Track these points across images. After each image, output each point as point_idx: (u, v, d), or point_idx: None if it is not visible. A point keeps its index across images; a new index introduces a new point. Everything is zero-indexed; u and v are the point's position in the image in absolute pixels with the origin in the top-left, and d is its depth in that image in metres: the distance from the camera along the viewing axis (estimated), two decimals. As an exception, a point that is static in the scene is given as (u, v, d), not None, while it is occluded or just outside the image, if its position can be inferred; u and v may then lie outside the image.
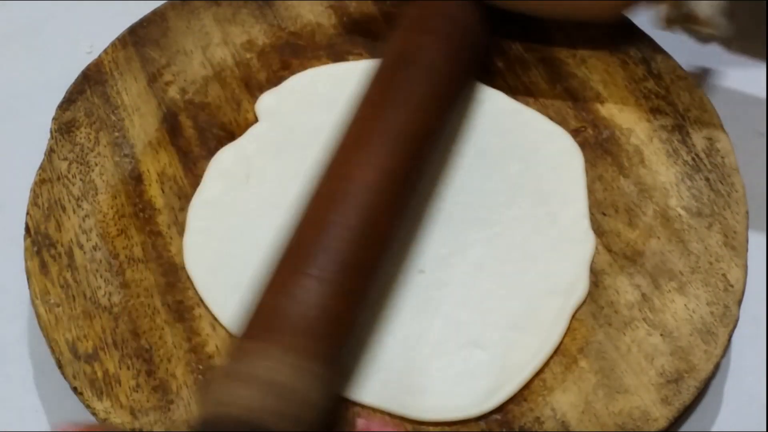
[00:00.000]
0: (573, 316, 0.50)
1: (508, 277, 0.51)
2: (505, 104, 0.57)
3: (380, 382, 0.48)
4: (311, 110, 0.57)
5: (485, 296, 0.51)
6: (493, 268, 0.52)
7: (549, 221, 0.53)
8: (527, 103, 0.57)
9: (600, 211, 0.53)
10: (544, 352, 0.49)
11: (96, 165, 0.55)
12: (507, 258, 0.52)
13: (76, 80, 0.58)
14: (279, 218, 0.53)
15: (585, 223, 0.53)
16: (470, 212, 0.53)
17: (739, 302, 0.50)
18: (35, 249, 0.52)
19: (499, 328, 0.50)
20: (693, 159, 0.54)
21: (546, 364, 0.49)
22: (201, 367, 0.49)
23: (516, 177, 0.54)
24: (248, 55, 0.59)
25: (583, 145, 0.55)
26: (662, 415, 0.47)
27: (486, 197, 0.54)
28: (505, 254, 0.52)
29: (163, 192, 0.54)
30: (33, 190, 0.54)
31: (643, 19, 0.60)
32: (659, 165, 0.54)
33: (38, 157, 0.55)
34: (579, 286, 0.51)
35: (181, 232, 0.53)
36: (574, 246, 0.52)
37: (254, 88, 0.58)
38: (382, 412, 0.48)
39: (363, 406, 0.48)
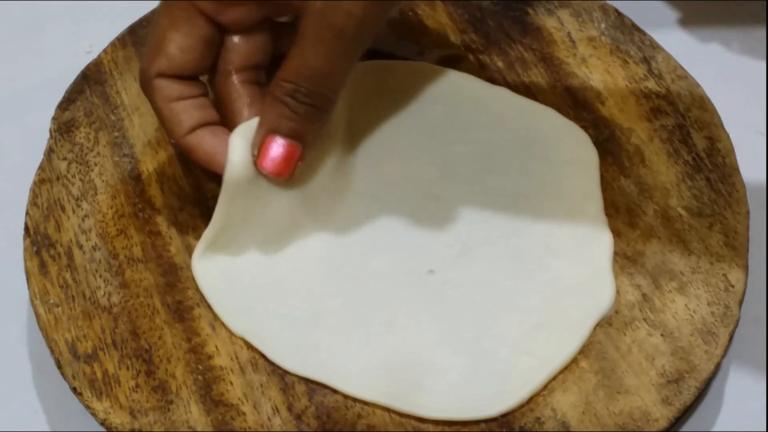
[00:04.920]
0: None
1: (525, 277, 0.51)
2: (514, 101, 0.57)
3: (385, 380, 0.48)
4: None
5: (501, 296, 0.50)
6: (510, 266, 0.51)
7: (567, 218, 0.53)
8: (528, 103, 0.57)
9: (600, 211, 0.53)
10: (561, 358, 0.48)
11: (95, 165, 0.55)
12: (524, 256, 0.51)
13: (76, 80, 0.58)
14: (284, 219, 0.53)
15: (602, 220, 0.52)
16: (484, 210, 0.53)
17: (740, 302, 0.50)
18: (35, 249, 0.52)
19: (515, 328, 0.49)
20: (694, 159, 0.54)
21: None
22: (200, 367, 0.49)
23: (532, 173, 0.54)
24: (248, 55, 0.59)
25: (584, 144, 0.55)
26: (663, 415, 0.47)
27: (501, 195, 0.53)
28: (522, 253, 0.52)
29: (163, 192, 0.54)
30: (32, 190, 0.54)
31: (644, 19, 0.60)
32: (660, 165, 0.54)
33: (38, 157, 0.55)
34: (605, 294, 0.50)
35: (180, 232, 0.53)
36: (593, 244, 0.52)
37: (254, 87, 0.58)
38: (386, 409, 0.48)
39: (367, 403, 0.48)
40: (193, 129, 0.50)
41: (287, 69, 0.48)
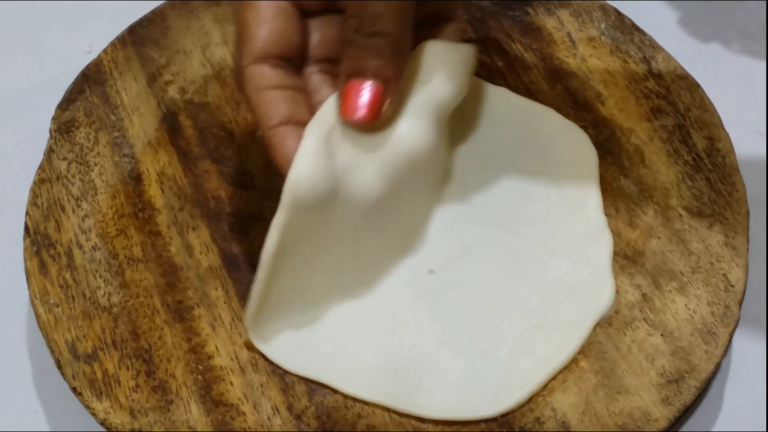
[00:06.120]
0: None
1: (525, 277, 0.51)
2: (514, 101, 0.57)
3: (385, 380, 0.48)
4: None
5: (500, 296, 0.50)
6: (511, 266, 0.51)
7: (567, 218, 0.53)
8: (528, 103, 0.57)
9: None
10: (561, 358, 0.48)
11: (95, 165, 0.55)
12: (524, 256, 0.51)
13: (76, 80, 0.58)
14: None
15: (602, 220, 0.52)
16: (484, 210, 0.53)
17: (740, 302, 0.50)
18: (34, 249, 0.52)
19: (515, 328, 0.49)
20: (693, 159, 0.54)
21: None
22: (200, 367, 0.49)
23: (532, 173, 0.54)
24: (248, 55, 0.59)
25: (584, 144, 0.55)
26: (663, 415, 0.47)
27: (501, 195, 0.54)
28: (522, 253, 0.52)
29: (163, 192, 0.54)
30: (32, 190, 0.54)
31: (644, 19, 0.60)
32: (660, 165, 0.54)
33: (38, 157, 0.55)
34: (605, 294, 0.50)
35: (180, 232, 0.53)
36: (592, 244, 0.52)
37: (254, 87, 0.58)
38: (386, 409, 0.48)
39: (367, 403, 0.48)
40: (281, 123, 0.46)
41: (348, 8, 0.46)
